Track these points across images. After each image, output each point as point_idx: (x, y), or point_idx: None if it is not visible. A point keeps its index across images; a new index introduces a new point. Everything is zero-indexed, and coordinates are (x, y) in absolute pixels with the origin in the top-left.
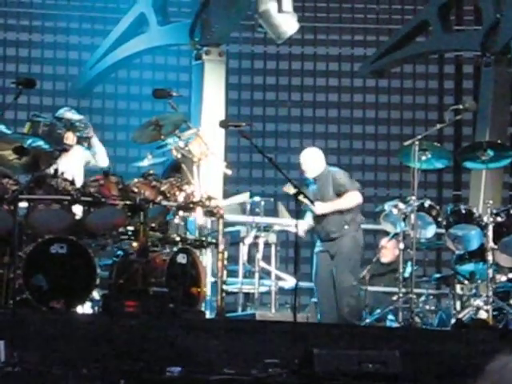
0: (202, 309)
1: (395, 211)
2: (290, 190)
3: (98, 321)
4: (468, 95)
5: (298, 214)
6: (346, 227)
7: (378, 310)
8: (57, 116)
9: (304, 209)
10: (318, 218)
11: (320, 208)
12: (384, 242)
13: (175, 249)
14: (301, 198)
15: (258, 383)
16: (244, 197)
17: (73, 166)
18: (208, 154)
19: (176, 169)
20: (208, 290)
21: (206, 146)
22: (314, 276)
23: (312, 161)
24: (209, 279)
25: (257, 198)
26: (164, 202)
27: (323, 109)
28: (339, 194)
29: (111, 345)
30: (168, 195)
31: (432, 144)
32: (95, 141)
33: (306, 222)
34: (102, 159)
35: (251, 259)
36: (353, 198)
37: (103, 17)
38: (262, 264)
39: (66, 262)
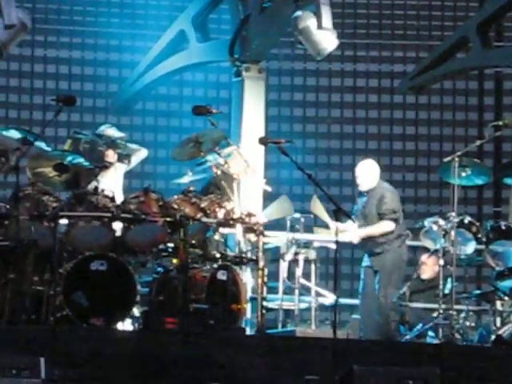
0: (243, 325)
1: (435, 227)
2: (322, 232)
3: (138, 338)
4: (508, 111)
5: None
6: (389, 244)
7: (419, 327)
8: (97, 133)
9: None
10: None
11: (355, 238)
12: (424, 258)
13: (215, 265)
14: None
15: None
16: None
17: (113, 183)
18: (248, 171)
19: (216, 186)
20: (248, 306)
21: (246, 163)
22: (361, 290)
23: (368, 173)
24: (249, 296)
25: (297, 215)
26: (204, 219)
27: (363, 125)
28: (379, 214)
29: (151, 362)
30: (208, 212)
31: (472, 160)
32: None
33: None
34: (139, 150)
35: (291, 276)
36: (384, 228)
37: (143, 34)
38: (302, 280)
39: (106, 279)
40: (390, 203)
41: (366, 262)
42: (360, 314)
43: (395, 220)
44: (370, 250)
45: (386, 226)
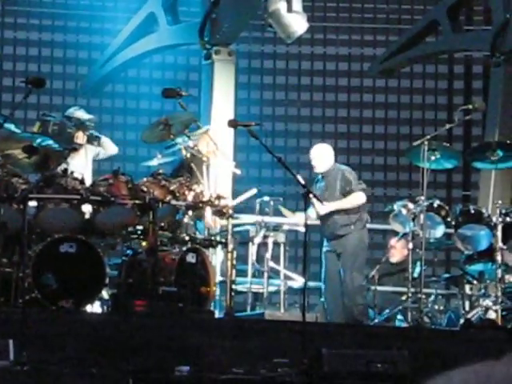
0: (211, 308)
1: (404, 211)
2: (287, 213)
3: (107, 320)
4: (477, 95)
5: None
6: (352, 227)
7: (387, 310)
8: (67, 115)
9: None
10: (324, 217)
11: (324, 209)
12: (393, 241)
13: (184, 248)
14: (311, 196)
15: (266, 383)
16: (251, 192)
17: (82, 165)
18: (217, 154)
19: (185, 168)
20: (217, 289)
21: (216, 146)
22: (323, 275)
23: (322, 156)
24: (218, 279)
25: (266, 198)
26: (173, 202)
27: (333, 108)
28: (344, 194)
29: (120, 344)
30: (177, 194)
31: (441, 144)
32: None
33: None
34: (110, 146)
35: (260, 259)
36: (357, 199)
37: (113, 16)
38: (271, 264)
39: (75, 261)
40: (353, 178)
41: (326, 246)
42: (325, 299)
43: (364, 190)
44: (330, 234)
45: (359, 197)
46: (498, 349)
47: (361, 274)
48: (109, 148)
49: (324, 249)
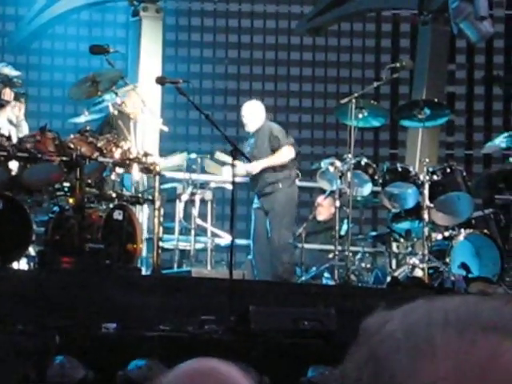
0: (138, 265)
1: (331, 169)
2: (214, 169)
3: (34, 277)
4: (405, 54)
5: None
6: (280, 184)
7: (314, 268)
8: None
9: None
10: (253, 175)
11: (253, 168)
12: (320, 199)
13: (111, 205)
14: (237, 155)
15: (193, 340)
16: (181, 158)
17: (9, 121)
18: (144, 111)
19: (112, 125)
20: (144, 246)
21: (143, 103)
22: (252, 233)
23: (253, 114)
24: (145, 236)
25: (193, 155)
26: (100, 159)
27: (260, 66)
28: (273, 150)
29: (46, 301)
30: (104, 151)
31: (369, 102)
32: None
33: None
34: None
35: (187, 216)
36: (286, 154)
37: None
38: (198, 221)
39: (2, 218)
40: (281, 133)
41: (256, 203)
42: (253, 257)
43: (292, 145)
44: (259, 191)
45: (287, 152)
46: None
47: (289, 231)
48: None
49: (253, 206)
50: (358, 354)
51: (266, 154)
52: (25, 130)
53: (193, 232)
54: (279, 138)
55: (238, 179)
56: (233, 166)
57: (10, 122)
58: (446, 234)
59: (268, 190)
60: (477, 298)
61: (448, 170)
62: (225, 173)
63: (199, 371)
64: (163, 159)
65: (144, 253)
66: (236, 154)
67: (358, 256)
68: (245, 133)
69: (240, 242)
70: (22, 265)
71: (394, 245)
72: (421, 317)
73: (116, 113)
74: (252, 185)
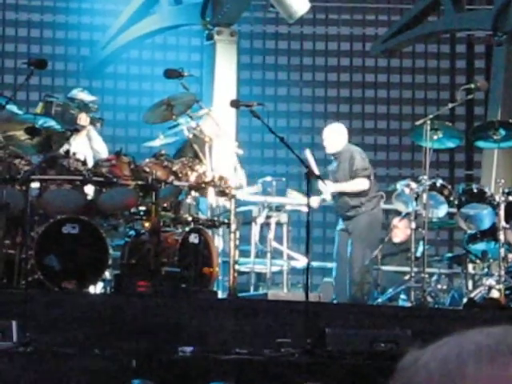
0: (214, 289)
1: (407, 191)
2: (293, 195)
3: (110, 301)
4: (479, 75)
5: (308, 193)
6: (363, 208)
7: (390, 290)
8: (70, 96)
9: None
10: (336, 197)
11: (327, 189)
12: (396, 221)
13: (187, 229)
14: (312, 177)
15: (270, 363)
16: (256, 189)
17: (85, 146)
18: (220, 134)
19: (188, 149)
20: (220, 270)
21: (218, 126)
22: (335, 254)
23: (334, 136)
24: (221, 259)
25: (268, 178)
26: (176, 182)
27: (335, 88)
28: (352, 176)
29: (123, 325)
30: (180, 175)
31: (444, 123)
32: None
33: (319, 198)
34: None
35: (263, 239)
36: (358, 185)
37: None
38: (274, 244)
39: (78, 243)
40: (359, 162)
41: (340, 225)
42: (334, 278)
43: (368, 177)
44: (343, 214)
45: (360, 183)
46: None
47: (371, 253)
48: (98, 145)
49: (337, 227)
50: None
51: (345, 179)
52: (104, 151)
53: (269, 255)
54: (358, 166)
55: (326, 203)
56: (308, 188)
57: (86, 146)
58: None
59: (351, 214)
60: (504, 327)
61: None
62: (313, 201)
63: None
64: (240, 191)
65: (220, 276)
66: (310, 175)
67: (434, 277)
68: (319, 155)
69: (316, 264)
70: (98, 289)
71: (470, 266)
72: (452, 348)
73: (191, 136)
74: (336, 207)
